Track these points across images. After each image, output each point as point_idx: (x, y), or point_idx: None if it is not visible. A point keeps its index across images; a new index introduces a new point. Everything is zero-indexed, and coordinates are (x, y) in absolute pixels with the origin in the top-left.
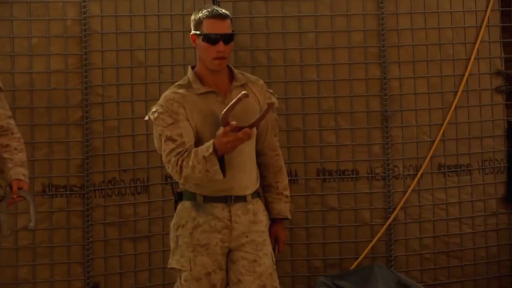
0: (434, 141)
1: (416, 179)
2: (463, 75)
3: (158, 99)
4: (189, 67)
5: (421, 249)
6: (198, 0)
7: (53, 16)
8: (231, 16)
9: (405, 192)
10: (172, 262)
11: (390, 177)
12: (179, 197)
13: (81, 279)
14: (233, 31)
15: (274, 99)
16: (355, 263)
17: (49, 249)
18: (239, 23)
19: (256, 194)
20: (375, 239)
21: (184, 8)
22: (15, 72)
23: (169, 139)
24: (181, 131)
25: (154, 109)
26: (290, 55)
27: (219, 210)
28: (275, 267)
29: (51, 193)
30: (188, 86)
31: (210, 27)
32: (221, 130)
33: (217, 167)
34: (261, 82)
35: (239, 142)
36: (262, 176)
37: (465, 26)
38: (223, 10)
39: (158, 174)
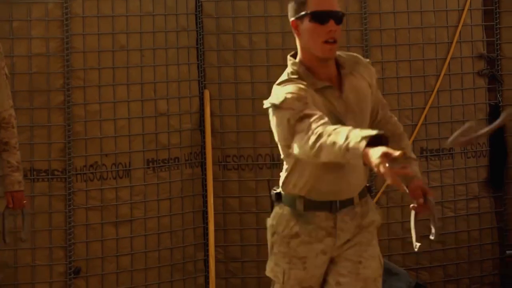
0: (416, 124)
1: None
2: (445, 59)
3: (140, 83)
4: (288, 56)
5: (403, 233)
6: None
7: None
8: None
9: None
10: (267, 269)
11: None
12: (277, 198)
13: (63, 264)
14: (344, 12)
15: (375, 72)
16: None
17: (31, 233)
18: (221, 7)
19: (364, 193)
20: None
21: None
22: None
23: (305, 116)
24: (315, 111)
25: (275, 96)
26: (272, 38)
27: (322, 219)
28: (381, 272)
29: (32, 177)
30: (301, 80)
31: (318, 4)
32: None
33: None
34: (362, 60)
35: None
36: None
37: (447, 9)
38: None
39: (140, 158)
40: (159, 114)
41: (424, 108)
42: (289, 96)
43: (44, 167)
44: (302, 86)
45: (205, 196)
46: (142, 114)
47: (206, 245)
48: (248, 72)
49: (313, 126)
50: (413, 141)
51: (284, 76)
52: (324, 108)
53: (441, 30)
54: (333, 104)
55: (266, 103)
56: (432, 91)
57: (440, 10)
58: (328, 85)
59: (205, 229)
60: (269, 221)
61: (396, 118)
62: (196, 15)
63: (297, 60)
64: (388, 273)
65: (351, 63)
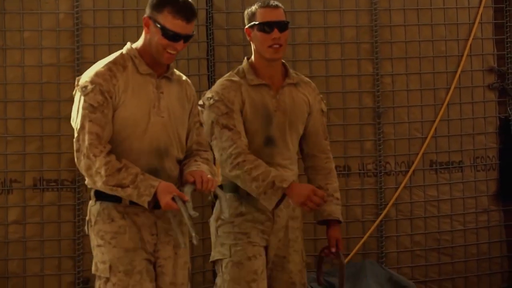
0: (426, 137)
1: (407, 176)
2: (456, 72)
3: None
4: (245, 58)
5: (412, 245)
6: None
7: (46, 9)
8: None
9: (396, 188)
10: (214, 255)
11: (382, 173)
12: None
13: (71, 274)
14: (287, 21)
15: (323, 105)
16: (346, 260)
17: (40, 243)
18: (231, 18)
19: None
20: (366, 235)
21: None
22: (7, 66)
23: (225, 127)
24: (235, 122)
25: (209, 95)
26: None
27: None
28: (304, 264)
29: (42, 187)
30: (242, 76)
31: (264, 16)
32: (313, 190)
33: (276, 200)
34: (313, 85)
35: (313, 205)
36: (311, 180)
37: (458, 22)
38: (276, 2)
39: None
40: None
41: (434, 121)
42: (218, 98)
43: (54, 177)
44: (235, 86)
45: None
46: None
47: None
48: None
49: (234, 152)
50: (423, 154)
51: (231, 72)
52: (258, 100)
53: (452, 43)
54: (266, 100)
55: (200, 101)
56: (442, 104)
57: (451, 24)
58: (264, 83)
59: None
60: (213, 216)
61: (331, 156)
62: (206, 26)
63: (250, 59)
64: (397, 285)
65: (300, 81)
